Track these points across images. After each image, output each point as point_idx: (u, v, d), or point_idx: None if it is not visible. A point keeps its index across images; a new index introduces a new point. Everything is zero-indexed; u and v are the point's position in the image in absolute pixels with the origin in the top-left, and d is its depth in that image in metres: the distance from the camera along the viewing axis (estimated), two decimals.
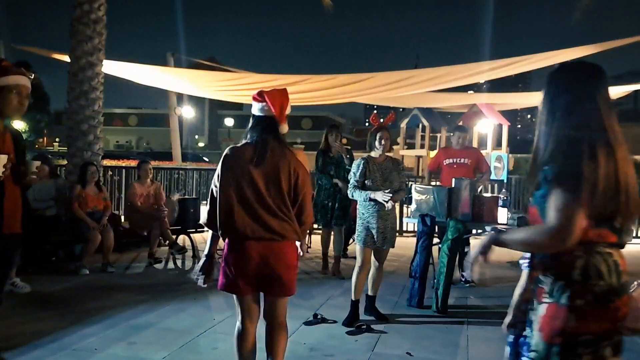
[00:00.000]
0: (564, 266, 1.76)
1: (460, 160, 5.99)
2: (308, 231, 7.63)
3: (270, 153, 2.69)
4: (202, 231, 7.91)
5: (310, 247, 6.60)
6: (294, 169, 2.70)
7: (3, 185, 2.80)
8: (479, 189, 6.10)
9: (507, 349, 2.84)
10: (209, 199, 2.83)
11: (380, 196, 4.35)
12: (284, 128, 2.77)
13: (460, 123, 11.49)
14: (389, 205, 4.36)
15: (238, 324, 2.86)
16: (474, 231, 5.42)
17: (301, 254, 2.88)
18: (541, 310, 1.82)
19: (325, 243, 6.41)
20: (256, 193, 2.66)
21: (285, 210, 2.69)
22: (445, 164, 6.08)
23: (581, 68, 1.88)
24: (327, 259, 6.40)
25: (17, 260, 3.03)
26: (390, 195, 4.34)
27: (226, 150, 2.81)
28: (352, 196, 4.51)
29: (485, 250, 1.94)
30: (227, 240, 2.76)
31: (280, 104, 2.73)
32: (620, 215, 1.74)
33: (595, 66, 1.87)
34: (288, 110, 2.80)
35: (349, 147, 6.38)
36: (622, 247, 1.79)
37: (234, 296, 2.83)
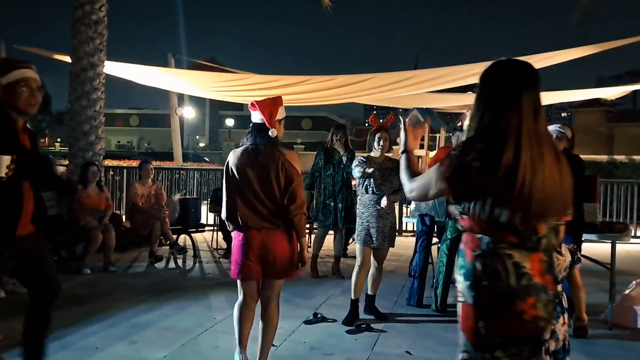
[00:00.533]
0: (469, 266, 1.76)
1: None
2: (307, 229, 7.68)
3: (261, 155, 3.09)
4: (203, 231, 7.95)
5: (310, 246, 6.60)
6: (282, 167, 3.07)
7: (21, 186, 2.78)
8: None
9: None
10: (224, 198, 3.23)
11: (371, 171, 4.43)
12: (274, 132, 3.12)
13: (460, 123, 11.52)
14: (383, 202, 4.40)
15: (240, 299, 3.23)
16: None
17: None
18: (458, 310, 1.83)
19: (317, 244, 6.34)
20: (252, 190, 3.08)
21: (276, 204, 3.08)
22: None
23: (509, 68, 1.86)
24: (316, 260, 6.33)
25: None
26: (372, 169, 4.41)
27: (229, 154, 3.23)
28: (354, 174, 4.58)
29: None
30: (234, 232, 3.19)
31: (269, 111, 3.11)
32: (520, 216, 1.70)
33: (524, 66, 1.85)
34: (279, 116, 3.16)
35: (351, 148, 6.37)
36: (529, 248, 1.73)
37: (238, 281, 3.20)
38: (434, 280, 5.03)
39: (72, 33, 7.52)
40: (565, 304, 2.78)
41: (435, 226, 5.23)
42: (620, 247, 4.77)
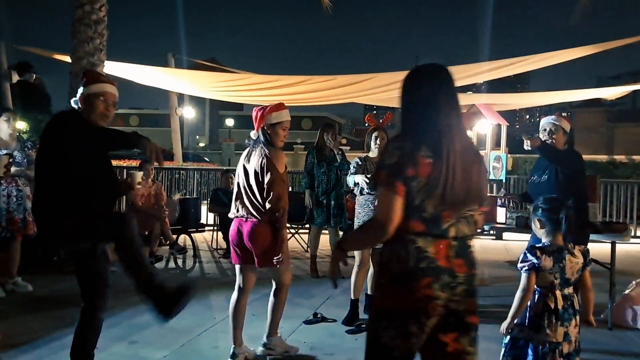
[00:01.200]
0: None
1: None
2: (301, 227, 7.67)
3: (252, 154, 3.56)
4: (203, 231, 7.95)
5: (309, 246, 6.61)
6: (262, 165, 3.45)
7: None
8: None
9: (502, 350, 2.87)
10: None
11: (360, 179, 4.49)
12: (255, 134, 3.63)
13: None
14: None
15: (238, 282, 3.64)
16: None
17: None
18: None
19: (313, 243, 6.37)
20: (244, 184, 3.55)
21: (256, 197, 3.47)
22: None
23: (428, 71, 2.03)
24: (315, 261, 6.35)
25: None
26: (368, 179, 4.45)
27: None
28: (349, 183, 4.72)
29: (335, 257, 2.13)
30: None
31: (255, 116, 3.59)
32: (432, 206, 1.88)
33: (441, 69, 2.02)
34: (273, 120, 3.54)
35: (342, 149, 6.41)
36: (436, 235, 1.89)
37: (236, 266, 3.64)
38: None
39: (72, 33, 7.50)
40: (577, 305, 2.77)
41: None
42: (620, 247, 4.76)
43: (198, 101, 31.02)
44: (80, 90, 2.97)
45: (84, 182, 2.82)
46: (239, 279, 3.65)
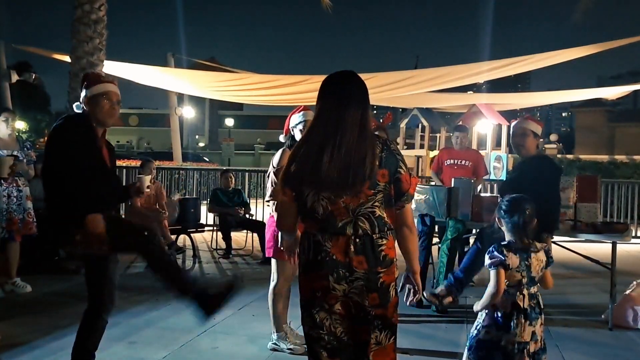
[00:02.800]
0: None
1: (461, 162, 5.99)
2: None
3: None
4: (202, 231, 7.93)
5: None
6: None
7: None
8: (479, 190, 6.10)
9: (466, 352, 2.89)
10: None
11: None
12: (282, 137, 3.92)
13: (460, 123, 11.51)
14: None
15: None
16: (473, 230, 5.42)
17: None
18: None
19: None
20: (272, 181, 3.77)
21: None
22: (446, 164, 6.07)
23: (340, 76, 2.21)
24: None
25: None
26: None
27: None
28: None
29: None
30: None
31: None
32: (320, 206, 2.08)
33: (352, 76, 2.20)
34: (291, 124, 3.82)
35: None
36: (333, 233, 2.06)
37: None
38: (435, 280, 5.01)
39: (71, 32, 7.49)
40: (542, 304, 2.77)
41: (436, 226, 5.22)
42: (621, 247, 4.75)
43: (198, 101, 30.99)
44: (83, 93, 3.01)
45: (93, 184, 2.86)
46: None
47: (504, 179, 8.81)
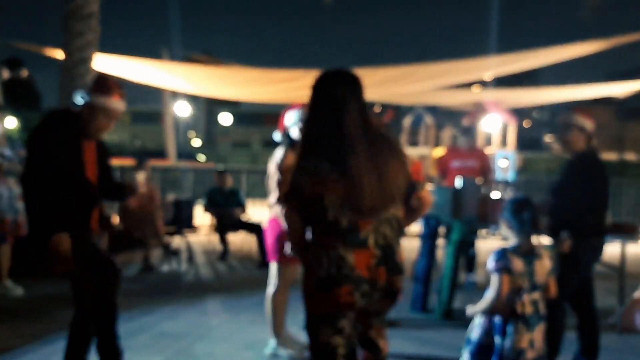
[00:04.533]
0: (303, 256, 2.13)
1: (467, 164, 5.86)
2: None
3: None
4: (196, 231, 7.80)
5: None
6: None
7: None
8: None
9: (466, 356, 2.80)
10: None
11: None
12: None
13: (467, 123, 11.32)
14: None
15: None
16: (478, 232, 5.33)
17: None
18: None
19: None
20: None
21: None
22: (453, 166, 5.91)
23: (335, 76, 2.07)
24: None
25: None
26: None
27: None
28: None
29: None
30: None
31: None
32: (346, 219, 1.98)
33: (347, 75, 2.06)
34: (283, 121, 3.66)
35: None
36: (355, 244, 1.99)
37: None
38: (439, 284, 4.90)
39: (63, 27, 7.35)
40: (542, 311, 2.71)
41: (441, 228, 5.11)
42: (630, 249, 4.66)
43: (193, 97, 30.86)
44: (88, 95, 2.89)
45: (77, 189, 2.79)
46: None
47: (510, 179, 8.68)
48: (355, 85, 2.06)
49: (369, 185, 1.96)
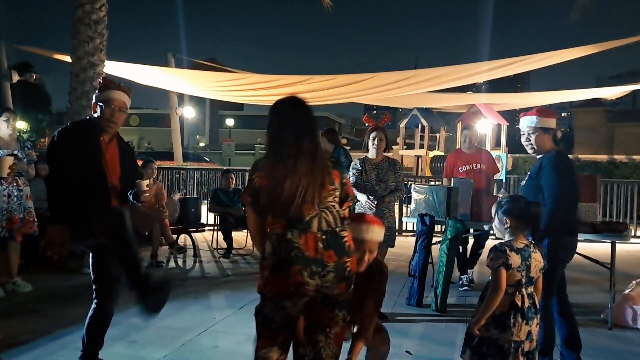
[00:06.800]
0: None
1: (476, 167, 5.73)
2: None
3: None
4: (203, 230, 7.94)
5: None
6: None
7: None
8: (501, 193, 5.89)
9: (466, 350, 2.86)
10: None
11: (363, 199, 4.55)
12: None
13: (459, 123, 11.45)
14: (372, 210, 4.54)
15: None
16: (471, 230, 5.43)
17: None
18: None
19: None
20: None
21: None
22: (461, 170, 5.76)
23: (285, 102, 2.44)
24: None
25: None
26: (375, 203, 4.51)
27: None
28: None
29: None
30: None
31: None
32: (289, 205, 2.26)
33: (294, 100, 2.43)
34: None
35: (345, 148, 6.41)
36: (301, 229, 2.24)
37: None
38: (434, 280, 5.02)
39: (72, 33, 7.51)
40: (538, 305, 2.78)
41: (435, 226, 5.22)
42: (620, 247, 4.75)
43: (198, 101, 31.00)
44: (93, 98, 3.19)
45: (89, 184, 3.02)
46: None
47: (503, 179, 8.77)
48: (301, 109, 2.42)
49: (288, 185, 2.26)
